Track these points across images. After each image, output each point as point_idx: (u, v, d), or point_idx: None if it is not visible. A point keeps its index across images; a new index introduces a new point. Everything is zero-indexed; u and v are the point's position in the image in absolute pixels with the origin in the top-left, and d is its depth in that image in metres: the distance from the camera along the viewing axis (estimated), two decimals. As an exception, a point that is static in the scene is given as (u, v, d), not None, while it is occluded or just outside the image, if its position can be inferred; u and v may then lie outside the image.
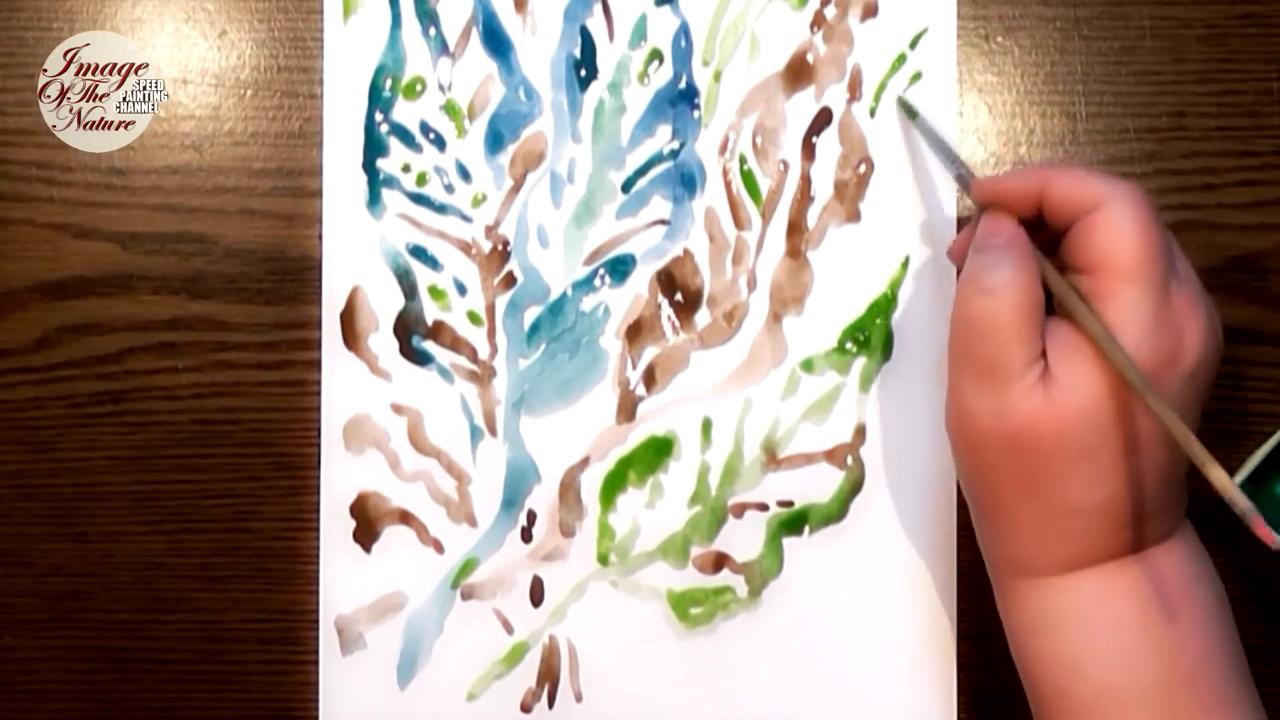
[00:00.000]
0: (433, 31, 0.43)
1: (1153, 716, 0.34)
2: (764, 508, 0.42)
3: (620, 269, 0.43)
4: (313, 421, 0.42)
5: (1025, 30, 0.43)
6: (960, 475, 0.37)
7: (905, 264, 0.42)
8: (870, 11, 0.43)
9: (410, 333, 0.43)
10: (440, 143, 0.43)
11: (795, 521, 0.42)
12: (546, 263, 0.43)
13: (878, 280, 0.42)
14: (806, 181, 0.43)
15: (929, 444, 0.42)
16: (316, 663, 0.42)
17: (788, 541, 0.42)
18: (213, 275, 0.43)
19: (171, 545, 0.43)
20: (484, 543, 0.42)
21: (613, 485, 0.42)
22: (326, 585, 0.42)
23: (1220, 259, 0.42)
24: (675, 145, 0.43)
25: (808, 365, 0.42)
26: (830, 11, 0.43)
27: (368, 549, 0.42)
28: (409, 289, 0.42)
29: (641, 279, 0.43)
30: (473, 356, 0.42)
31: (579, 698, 0.42)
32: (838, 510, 0.42)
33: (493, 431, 0.42)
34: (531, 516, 0.42)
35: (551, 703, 0.42)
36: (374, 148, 0.43)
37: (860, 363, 0.42)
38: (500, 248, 0.43)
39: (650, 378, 0.43)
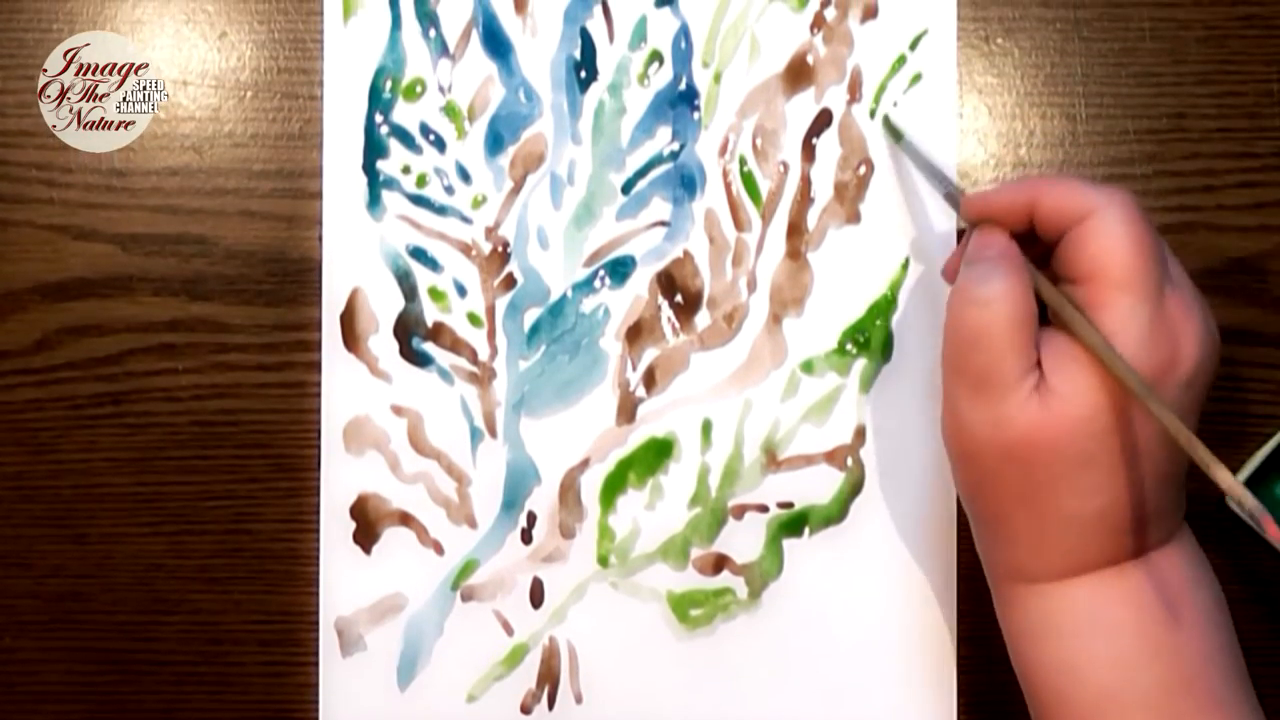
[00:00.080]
0: (433, 33, 0.43)
1: None
2: (764, 509, 0.42)
3: (620, 270, 0.43)
4: (313, 423, 0.42)
5: (1025, 32, 0.43)
6: (957, 485, 0.37)
7: (905, 265, 0.42)
8: (870, 13, 0.43)
9: (410, 334, 0.43)
10: (440, 144, 0.43)
11: (795, 523, 0.42)
12: (546, 264, 0.43)
13: (878, 281, 0.42)
14: (806, 183, 0.43)
15: (929, 445, 0.42)
16: (316, 664, 0.42)
17: (788, 543, 0.42)
18: (213, 277, 0.43)
19: (171, 547, 0.43)
20: (484, 544, 0.42)
21: (613, 487, 0.42)
22: (326, 587, 0.42)
23: (1220, 261, 0.42)
24: (675, 147, 0.43)
25: (808, 367, 0.42)
26: (830, 13, 0.43)
27: (368, 550, 0.42)
28: (409, 290, 0.42)
29: (641, 280, 0.43)
30: (473, 358, 0.43)
31: (579, 699, 0.42)
32: (838, 512, 0.42)
33: (493, 433, 0.42)
34: (531, 518, 0.42)
35: (551, 704, 0.42)
36: (374, 149, 0.43)
37: (860, 364, 0.42)
38: (500, 249, 0.43)
39: (650, 379, 0.43)
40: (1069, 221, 0.34)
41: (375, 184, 0.43)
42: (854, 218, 0.43)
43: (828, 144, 0.43)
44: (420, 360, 0.42)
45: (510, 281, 0.43)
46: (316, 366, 0.42)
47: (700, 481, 0.42)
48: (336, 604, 0.42)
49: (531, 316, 0.43)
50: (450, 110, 0.43)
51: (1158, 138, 0.42)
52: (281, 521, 0.42)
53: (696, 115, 0.43)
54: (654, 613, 0.42)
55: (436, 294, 0.43)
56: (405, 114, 0.43)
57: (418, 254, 0.43)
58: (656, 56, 0.43)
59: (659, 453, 0.42)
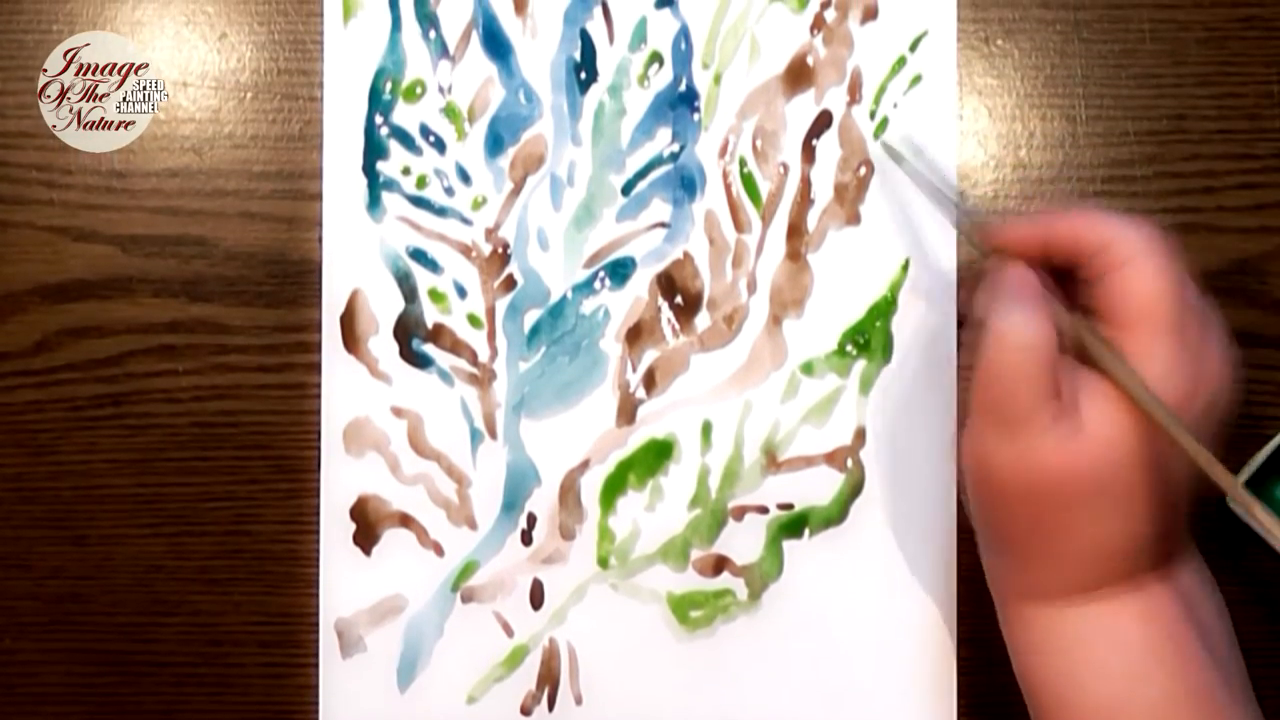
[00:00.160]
0: (433, 34, 0.43)
1: None
2: (764, 510, 0.42)
3: (620, 272, 0.43)
4: (313, 424, 0.42)
5: (1025, 33, 0.43)
6: (972, 512, 0.37)
7: (905, 267, 0.42)
8: (870, 14, 0.43)
9: (410, 335, 0.43)
10: (440, 145, 0.43)
11: (795, 524, 0.42)
12: (546, 265, 0.43)
13: (878, 283, 0.42)
14: (806, 184, 0.43)
15: (929, 446, 0.42)
16: (316, 666, 0.42)
17: (788, 544, 0.42)
18: (213, 278, 0.43)
19: (171, 548, 0.43)
20: (484, 545, 0.42)
21: (613, 488, 0.42)
22: (326, 588, 0.42)
23: (1220, 262, 0.42)
24: (675, 148, 0.43)
25: (808, 368, 0.42)
26: (830, 14, 0.43)
27: (368, 552, 0.42)
28: (409, 292, 0.42)
29: (641, 282, 0.43)
30: (473, 359, 0.42)
31: (579, 700, 0.42)
32: (838, 513, 0.42)
33: (493, 434, 0.42)
34: (531, 519, 0.42)
35: (551, 705, 0.42)
36: (374, 150, 0.43)
37: (860, 365, 0.42)
38: (500, 250, 0.43)
39: (650, 380, 0.43)
40: (1111, 262, 0.34)
41: (375, 185, 0.43)
42: (854, 219, 0.43)
43: (828, 145, 0.43)
44: (420, 362, 0.42)
45: (510, 283, 0.43)
46: (316, 368, 0.42)
47: (700, 483, 0.42)
48: (336, 605, 0.42)
49: (531, 318, 0.43)
50: (450, 111, 0.43)
51: (1158, 139, 0.42)
52: (281, 523, 0.42)
53: (696, 116, 0.43)
54: (654, 614, 0.42)
55: (436, 295, 0.43)
56: (405, 115, 0.43)
57: (418, 255, 0.43)
58: (656, 58, 0.43)
59: (659, 454, 0.42)
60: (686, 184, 0.43)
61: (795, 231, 0.43)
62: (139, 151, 0.43)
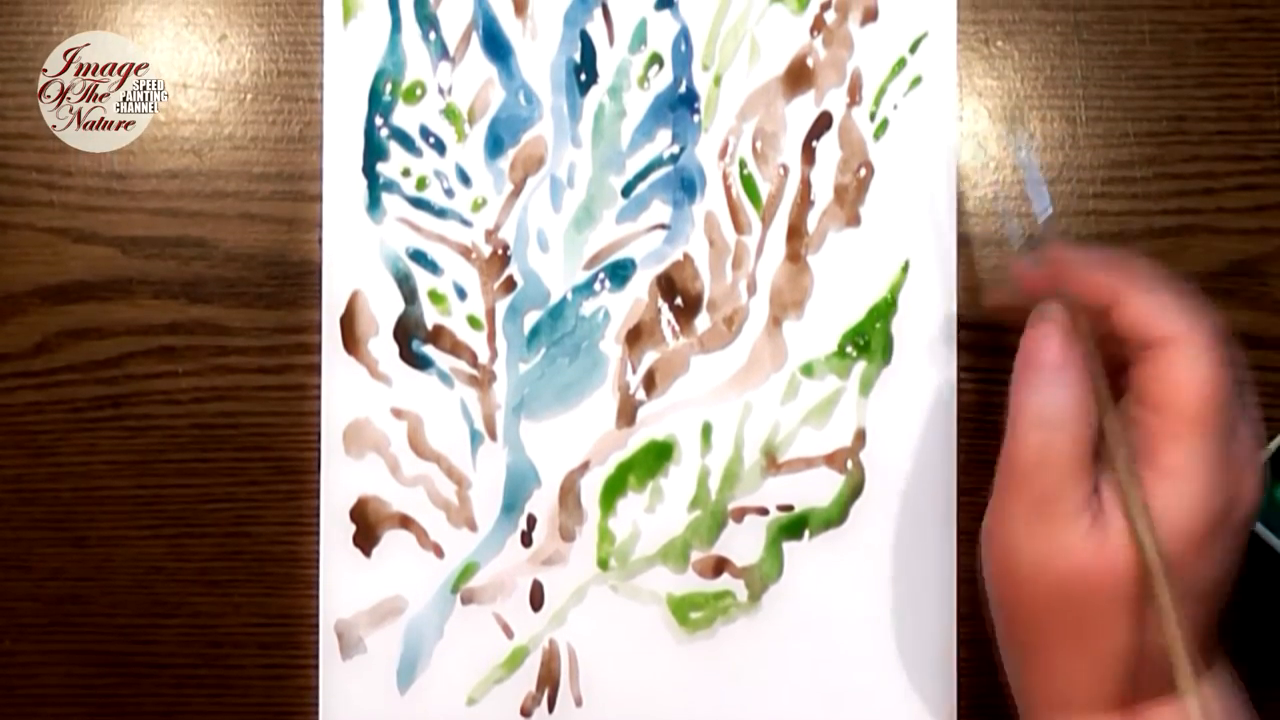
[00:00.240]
0: (433, 36, 0.43)
1: None
2: (764, 512, 0.42)
3: (620, 273, 0.43)
4: (313, 426, 0.42)
5: (1025, 34, 0.43)
6: (995, 606, 0.35)
7: (905, 268, 0.42)
8: (870, 16, 0.43)
9: (410, 337, 0.43)
10: (440, 147, 0.43)
11: (795, 526, 0.42)
12: (546, 267, 0.43)
13: (878, 284, 0.42)
14: (806, 186, 0.43)
15: (929, 448, 0.42)
16: (316, 667, 0.42)
17: (788, 546, 0.42)
18: (212, 279, 0.43)
19: (171, 549, 0.43)
20: (484, 547, 0.42)
21: (613, 489, 0.42)
22: (326, 589, 0.42)
23: (1220, 263, 0.42)
24: (675, 149, 0.43)
25: (808, 369, 0.42)
26: (830, 16, 0.43)
27: (368, 553, 0.42)
28: (409, 293, 0.42)
29: (641, 283, 0.43)
30: (473, 361, 0.42)
31: (579, 702, 0.42)
32: (838, 514, 0.42)
33: (493, 436, 0.42)
34: (531, 521, 0.42)
35: (551, 707, 0.42)
36: (374, 152, 0.43)
37: (860, 367, 0.42)
38: (500, 252, 0.43)
39: (650, 382, 0.43)
40: (1152, 340, 0.33)
41: (375, 187, 0.43)
42: (854, 220, 0.43)
43: (828, 147, 0.43)
44: (420, 363, 0.42)
45: (510, 284, 0.43)
46: (316, 369, 0.42)
47: (700, 484, 0.42)
48: (336, 607, 0.42)
49: (531, 319, 0.43)
50: (450, 113, 0.43)
51: (1158, 140, 0.42)
52: (281, 524, 0.42)
53: (696, 118, 0.43)
54: (654, 615, 0.42)
55: (436, 297, 0.43)
56: (405, 117, 0.43)
57: (418, 257, 0.43)
58: (656, 59, 0.43)
59: (659, 455, 0.42)
60: (686, 185, 0.43)
61: (795, 233, 0.43)
62: (139, 153, 0.43)
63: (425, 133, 0.43)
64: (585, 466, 0.42)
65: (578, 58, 0.43)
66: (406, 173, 0.43)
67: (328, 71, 0.43)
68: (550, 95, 0.43)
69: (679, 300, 0.43)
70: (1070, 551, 0.32)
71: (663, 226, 0.43)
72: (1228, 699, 0.34)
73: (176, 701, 0.43)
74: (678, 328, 0.43)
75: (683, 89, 0.43)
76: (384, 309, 0.42)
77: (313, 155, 0.43)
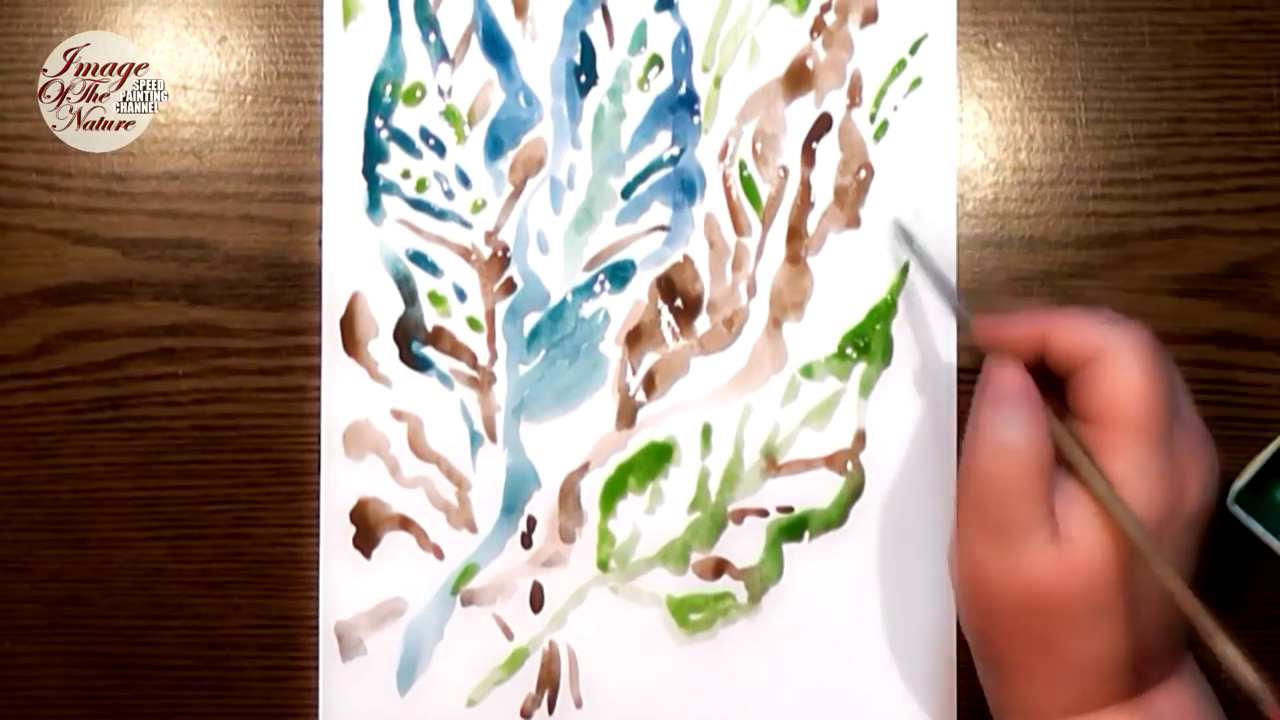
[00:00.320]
0: (433, 37, 0.43)
1: None
2: (764, 513, 0.42)
3: (620, 275, 0.43)
4: (313, 427, 0.42)
5: (1025, 36, 0.43)
6: (965, 625, 0.36)
7: (905, 270, 0.42)
8: (870, 17, 0.43)
9: (410, 338, 0.43)
10: (440, 148, 0.43)
11: (795, 527, 0.42)
12: (546, 268, 0.43)
13: (878, 286, 0.42)
14: (806, 187, 0.43)
15: (929, 449, 0.42)
16: (316, 669, 0.42)
17: (788, 547, 0.42)
18: (212, 281, 0.43)
19: (171, 551, 0.43)
20: (484, 548, 0.42)
21: (613, 491, 0.42)
22: (326, 591, 0.42)
23: (1220, 265, 0.42)
24: (675, 151, 0.43)
25: (808, 371, 0.42)
26: (830, 17, 0.43)
27: (368, 555, 0.42)
28: (409, 295, 0.42)
29: (641, 285, 0.43)
30: (472, 362, 0.42)
31: (579, 704, 0.42)
32: (838, 516, 0.42)
33: (492, 437, 0.42)
34: (531, 522, 0.42)
35: (551, 708, 0.42)
36: (374, 153, 0.43)
37: (860, 368, 0.42)
38: (500, 253, 0.43)
39: (650, 384, 0.43)
40: (1080, 360, 0.34)
41: (375, 188, 0.43)
42: (854, 222, 0.43)
43: (828, 148, 0.43)
44: (420, 365, 0.42)
45: (510, 286, 0.43)
46: (316, 371, 0.42)
47: (700, 486, 0.42)
48: (336, 608, 0.42)
49: (531, 321, 0.43)
50: (450, 114, 0.43)
51: (1158, 142, 0.42)
52: (281, 526, 0.42)
53: (696, 119, 0.43)
54: (654, 617, 0.42)
55: (436, 298, 0.43)
56: (405, 118, 0.43)
57: (417, 258, 0.43)
58: (656, 61, 0.43)
59: (659, 457, 0.42)
60: (686, 187, 0.43)
61: (795, 234, 0.43)
62: (139, 154, 0.43)
63: (425, 134, 0.43)
64: (585, 468, 0.42)
65: (577, 59, 0.43)
66: (406, 174, 0.43)
67: (328, 73, 0.43)
68: (550, 97, 0.43)
69: (679, 302, 0.43)
70: (1030, 567, 0.33)
71: (663, 228, 0.43)
72: (1198, 698, 0.35)
73: (176, 703, 0.43)
74: (678, 329, 0.43)
75: (683, 90, 0.43)
76: (384, 311, 0.42)
77: (313, 157, 0.43)
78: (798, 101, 0.43)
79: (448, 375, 0.42)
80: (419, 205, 0.43)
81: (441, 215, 0.43)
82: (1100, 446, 0.33)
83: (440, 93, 0.43)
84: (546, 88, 0.43)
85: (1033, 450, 0.33)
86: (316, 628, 0.42)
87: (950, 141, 0.43)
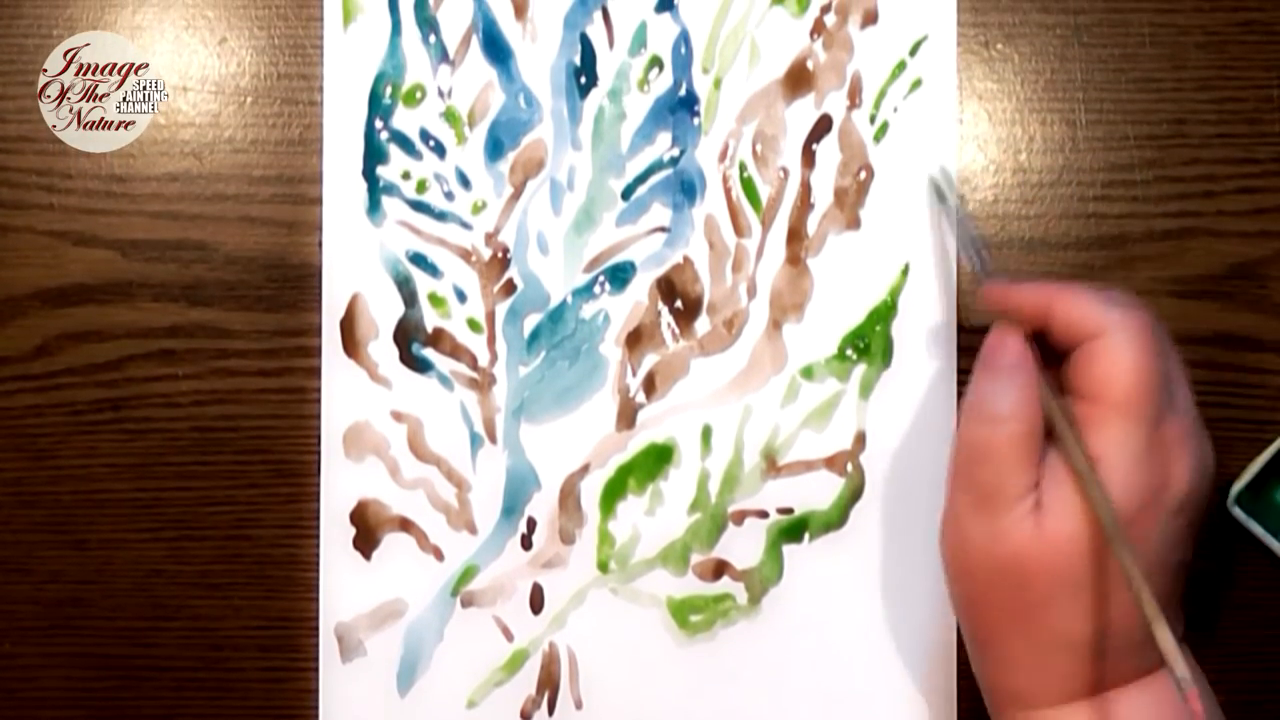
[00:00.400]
0: (433, 39, 0.43)
1: None
2: (764, 515, 0.42)
3: (620, 276, 0.43)
4: (313, 429, 0.42)
5: (1025, 37, 0.43)
6: (953, 601, 0.37)
7: (905, 271, 0.42)
8: (870, 19, 0.43)
9: (410, 340, 0.43)
10: (440, 150, 0.43)
11: (795, 529, 0.42)
12: (546, 270, 0.43)
13: (878, 287, 0.42)
14: (806, 188, 0.43)
15: (929, 451, 0.42)
16: (316, 670, 0.42)
17: (788, 549, 0.42)
18: (213, 282, 0.43)
19: (171, 552, 0.43)
20: (484, 550, 0.42)
21: (613, 492, 0.42)
22: (326, 592, 0.42)
23: (1221, 266, 0.42)
24: (675, 152, 0.43)
25: (808, 372, 0.42)
26: (830, 19, 0.43)
27: (368, 556, 0.42)
28: (409, 296, 0.42)
29: (641, 286, 0.43)
30: (472, 364, 0.42)
31: (579, 705, 0.42)
32: (838, 517, 0.42)
33: (493, 439, 0.42)
34: (531, 524, 0.42)
35: (551, 710, 0.42)
36: (374, 155, 0.43)
37: (860, 370, 0.42)
38: (500, 255, 0.43)
39: (650, 385, 0.43)
40: (1080, 336, 0.34)
41: (375, 190, 0.43)
42: (854, 223, 0.43)
43: (828, 149, 0.43)
44: (420, 366, 0.42)
45: (510, 287, 0.43)
46: (316, 372, 0.42)
47: (700, 487, 0.42)
48: (336, 609, 0.42)
49: (531, 322, 0.43)
50: (450, 116, 0.43)
51: (1158, 143, 0.42)
52: (281, 527, 0.42)
53: (696, 121, 0.43)
54: (654, 618, 0.42)
55: (436, 300, 0.43)
56: (405, 120, 0.43)
57: (418, 260, 0.43)
58: (656, 62, 0.43)
59: (659, 458, 0.42)
60: (686, 188, 0.43)
61: (795, 236, 0.43)
62: (139, 156, 0.43)
63: (425, 136, 0.43)
64: (585, 469, 0.42)
65: (578, 60, 0.43)
66: (406, 176, 0.43)
67: (328, 75, 0.43)
68: (550, 98, 0.43)
69: (679, 303, 0.43)
70: (1010, 536, 0.33)
71: (663, 229, 0.43)
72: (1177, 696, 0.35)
73: (176, 704, 0.43)
74: (678, 330, 0.43)
75: (683, 92, 0.43)
76: (384, 312, 0.42)
77: (313, 158, 0.43)
78: (798, 103, 0.43)
79: (448, 377, 0.42)
80: (419, 207, 0.43)
81: (441, 217, 0.43)
82: (1088, 423, 0.33)
83: (440, 94, 0.43)
84: (546, 89, 0.43)
85: (1021, 421, 0.33)
86: (316, 629, 0.42)
87: (950, 143, 0.43)
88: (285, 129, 0.43)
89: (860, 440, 0.42)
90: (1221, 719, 0.35)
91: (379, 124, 0.43)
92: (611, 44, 0.43)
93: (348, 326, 0.42)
